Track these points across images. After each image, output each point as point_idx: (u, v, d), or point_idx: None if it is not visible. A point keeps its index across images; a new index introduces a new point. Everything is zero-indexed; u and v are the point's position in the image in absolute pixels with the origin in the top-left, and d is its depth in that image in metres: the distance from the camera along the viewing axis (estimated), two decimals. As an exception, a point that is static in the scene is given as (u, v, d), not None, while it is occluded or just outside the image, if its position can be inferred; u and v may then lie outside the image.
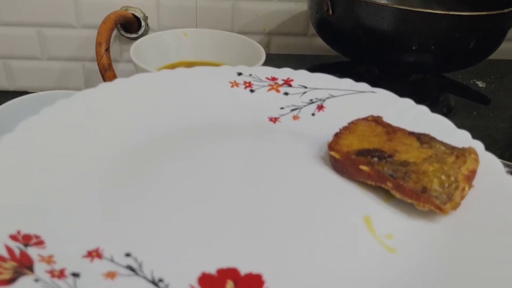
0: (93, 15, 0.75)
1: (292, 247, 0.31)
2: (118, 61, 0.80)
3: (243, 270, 0.29)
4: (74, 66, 0.80)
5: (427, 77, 0.63)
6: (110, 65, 0.68)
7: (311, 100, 0.47)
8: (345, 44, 0.60)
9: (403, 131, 0.40)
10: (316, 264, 0.30)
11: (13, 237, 0.27)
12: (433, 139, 0.38)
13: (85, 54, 0.79)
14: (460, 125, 0.42)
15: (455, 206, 0.33)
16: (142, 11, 0.76)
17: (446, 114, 0.60)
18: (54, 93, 0.61)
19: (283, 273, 0.29)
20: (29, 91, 0.76)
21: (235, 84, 0.48)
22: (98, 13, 0.73)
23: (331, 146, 0.39)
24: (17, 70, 0.78)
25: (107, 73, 0.68)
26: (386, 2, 0.70)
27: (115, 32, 0.77)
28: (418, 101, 0.45)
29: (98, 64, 0.67)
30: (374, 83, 0.48)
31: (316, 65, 0.66)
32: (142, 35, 0.77)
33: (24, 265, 0.26)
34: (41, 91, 0.62)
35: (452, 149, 0.37)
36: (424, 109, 0.44)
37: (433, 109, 0.44)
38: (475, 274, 0.29)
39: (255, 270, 0.29)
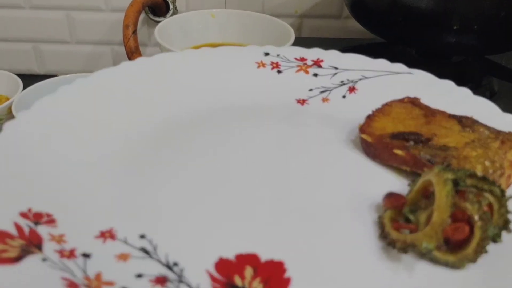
0: (122, -2, 0.74)
1: (317, 235, 0.29)
2: (146, 44, 0.79)
3: (264, 256, 0.27)
4: (103, 49, 0.79)
5: (469, 59, 0.58)
6: (137, 48, 0.67)
7: (342, 81, 0.45)
8: (380, 25, 0.57)
9: (443, 113, 0.37)
10: (341, 255, 0.28)
11: (23, 215, 0.26)
12: (476, 122, 0.35)
13: (113, 37, 0.78)
14: (503, 111, 0.39)
15: (500, 195, 0.30)
16: (170, -6, 0.74)
17: (488, 99, 0.56)
18: (83, 76, 0.61)
19: (306, 262, 0.27)
20: (59, 75, 0.75)
21: (261, 64, 0.46)
22: (126, -4, 0.72)
23: (362, 129, 0.36)
24: (46, 53, 0.79)
25: (133, 56, 0.66)
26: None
27: (143, 15, 0.76)
28: (459, 84, 0.42)
29: (125, 47, 0.66)
30: (411, 65, 0.45)
31: (349, 47, 0.63)
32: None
33: (33, 244, 0.24)
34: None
35: (497, 133, 0.34)
36: (466, 91, 0.41)
37: (475, 93, 0.41)
38: None
39: (276, 257, 0.27)
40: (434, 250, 0.26)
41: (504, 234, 0.27)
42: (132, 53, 0.66)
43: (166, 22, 0.58)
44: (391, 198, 0.29)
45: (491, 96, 0.56)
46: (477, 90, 0.56)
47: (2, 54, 0.78)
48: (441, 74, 0.43)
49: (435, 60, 0.59)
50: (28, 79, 0.63)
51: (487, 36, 0.51)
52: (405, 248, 0.26)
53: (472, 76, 0.58)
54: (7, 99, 0.61)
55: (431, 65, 0.58)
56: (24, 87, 0.59)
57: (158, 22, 0.75)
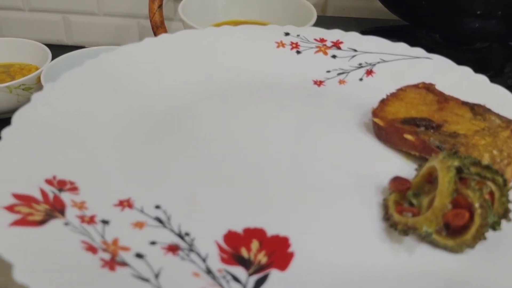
0: (149, -29, 0.74)
1: (323, 214, 0.30)
2: (172, 19, 0.80)
3: (270, 231, 0.28)
4: (129, 22, 0.81)
5: (492, 45, 0.58)
6: (162, 22, 0.68)
7: (360, 64, 0.45)
8: (404, 7, 0.57)
9: (456, 100, 0.37)
10: (344, 234, 0.29)
11: (49, 182, 0.28)
12: (488, 110, 0.35)
13: (140, 11, 0.79)
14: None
15: (506, 184, 0.31)
16: (197, -31, 0.75)
17: (511, 87, 0.56)
18: (109, 49, 0.62)
19: (310, 239, 0.28)
20: (86, 46, 0.77)
21: (281, 44, 0.46)
22: (154, -30, 0.73)
23: (375, 113, 0.37)
24: (75, 24, 0.80)
25: (159, 30, 0.68)
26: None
27: (169, -11, 0.77)
28: (480, 71, 0.42)
29: (150, 21, 0.67)
30: (433, 50, 0.45)
31: (371, 28, 0.63)
32: (196, -7, 0.75)
33: (56, 209, 0.26)
34: (97, 46, 0.63)
35: (508, 122, 0.34)
36: (483, 78, 0.41)
37: (497, 81, 0.41)
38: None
39: (282, 232, 0.28)
40: (434, 234, 0.27)
41: (504, 222, 0.27)
42: (157, 27, 0.68)
43: (190, -1, 0.59)
44: (397, 181, 0.30)
45: (514, 83, 0.56)
46: (499, 77, 0.55)
47: (32, 24, 0.80)
48: (463, 60, 0.43)
49: (459, 45, 0.58)
50: (57, 50, 0.65)
51: (511, 22, 0.50)
52: (406, 230, 0.27)
53: (494, 63, 0.57)
54: (37, 68, 0.63)
55: (454, 51, 0.58)
56: (54, 57, 0.61)
57: (184, -3, 0.76)
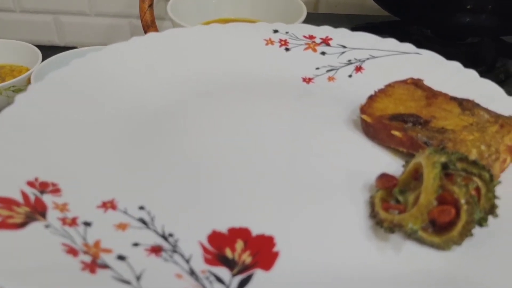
0: (140, -30, 0.74)
1: (308, 212, 0.30)
2: (163, 18, 0.79)
3: (255, 231, 0.28)
4: (121, 22, 0.80)
5: (484, 40, 0.57)
6: (153, 22, 0.68)
7: (349, 60, 0.45)
8: (395, 3, 0.56)
9: (444, 96, 0.37)
10: (330, 233, 0.29)
11: (30, 184, 0.28)
12: (476, 105, 0.35)
13: (132, 11, 0.79)
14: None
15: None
16: (188, -33, 0.74)
17: (503, 81, 0.55)
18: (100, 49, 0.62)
19: (295, 238, 0.28)
20: (78, 47, 0.77)
21: (270, 42, 0.46)
22: (144, -31, 0.72)
23: (363, 109, 0.36)
24: (66, 25, 0.80)
25: (149, 30, 0.67)
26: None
27: (160, -12, 0.76)
28: (472, 66, 0.42)
29: (141, 20, 0.67)
30: (425, 46, 0.44)
31: (361, 24, 0.63)
32: (187, -8, 0.75)
33: (37, 211, 0.26)
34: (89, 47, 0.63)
35: (497, 117, 0.34)
36: (472, 73, 0.40)
37: (489, 75, 0.41)
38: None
39: (267, 232, 0.28)
40: (420, 231, 0.26)
41: (490, 218, 0.27)
42: (148, 26, 0.67)
43: (180, -3, 0.59)
44: (383, 179, 0.29)
45: (506, 78, 0.55)
46: (491, 72, 0.55)
47: (24, 25, 0.80)
48: (455, 55, 0.43)
49: (450, 40, 0.58)
50: (49, 51, 0.65)
51: (501, 17, 0.49)
52: (392, 228, 0.27)
53: (486, 58, 0.57)
54: (27, 70, 0.63)
55: (446, 46, 0.58)
56: (46, 58, 0.61)
57: (175, -5, 0.75)
